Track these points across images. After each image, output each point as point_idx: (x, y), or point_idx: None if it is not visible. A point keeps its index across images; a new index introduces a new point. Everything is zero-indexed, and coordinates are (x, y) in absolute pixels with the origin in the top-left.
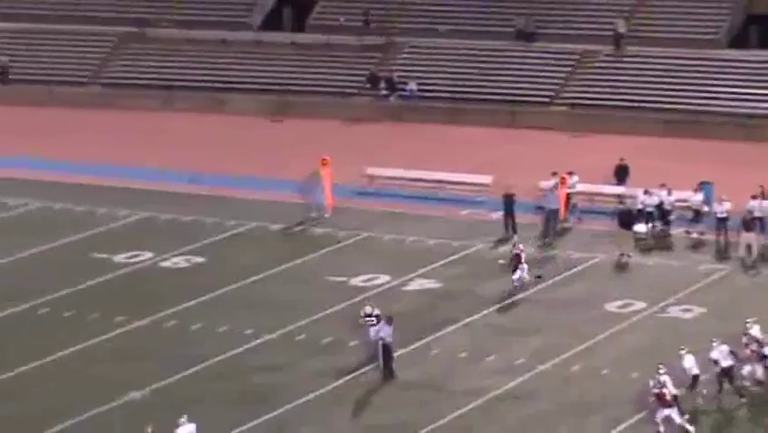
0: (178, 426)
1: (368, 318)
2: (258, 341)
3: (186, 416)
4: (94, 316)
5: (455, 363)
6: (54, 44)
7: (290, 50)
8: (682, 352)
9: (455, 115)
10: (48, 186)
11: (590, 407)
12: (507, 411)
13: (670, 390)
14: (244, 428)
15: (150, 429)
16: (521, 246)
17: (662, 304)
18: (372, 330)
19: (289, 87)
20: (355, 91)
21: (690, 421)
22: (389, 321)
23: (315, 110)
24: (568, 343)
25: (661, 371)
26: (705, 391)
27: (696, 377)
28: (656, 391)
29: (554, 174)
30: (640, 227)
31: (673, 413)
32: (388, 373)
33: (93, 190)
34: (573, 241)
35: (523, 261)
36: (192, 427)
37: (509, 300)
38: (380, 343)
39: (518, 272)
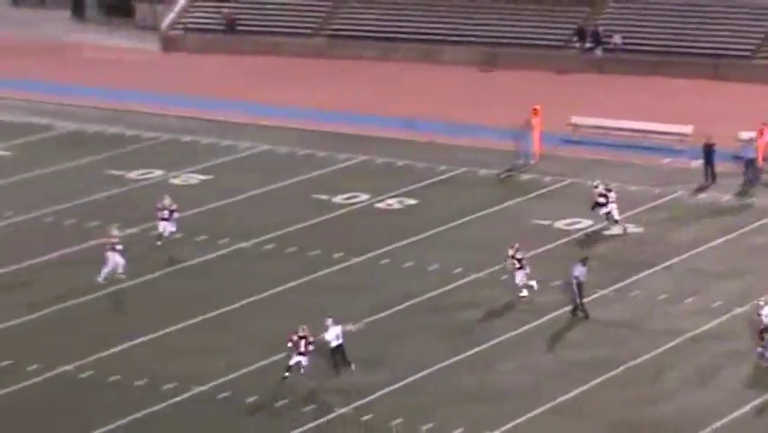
0: (326, 328)
1: (511, 260)
2: (465, 279)
3: (331, 318)
4: (314, 252)
5: (654, 304)
6: None
7: (501, 3)
8: None
9: (658, 68)
10: (274, 130)
11: None
12: (703, 351)
13: None
14: (450, 361)
15: (301, 330)
16: (601, 190)
17: None
18: (518, 274)
19: (499, 40)
20: (562, 44)
21: None
22: (584, 262)
23: (523, 61)
24: (766, 287)
25: (761, 302)
26: None
27: None
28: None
29: (765, 125)
30: None
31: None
32: (583, 311)
33: (315, 135)
34: None
35: (611, 200)
36: (338, 328)
37: (707, 245)
38: (574, 282)
39: (605, 208)
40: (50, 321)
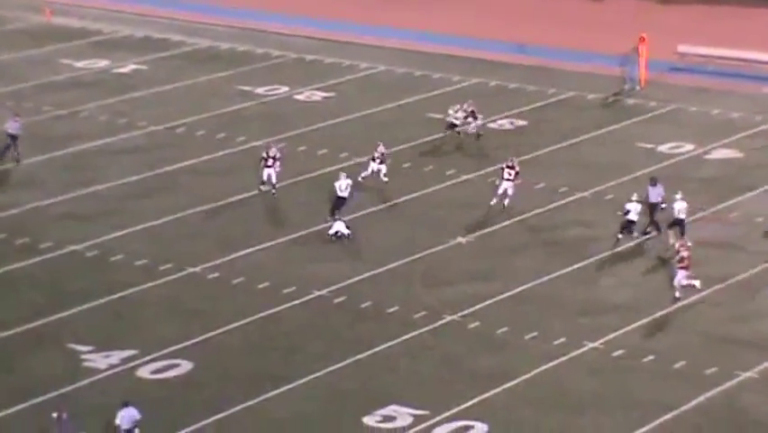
0: (339, 178)
1: (507, 170)
2: (570, 198)
3: (345, 174)
4: (428, 168)
5: (751, 226)
6: None
7: None
8: None
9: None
10: (392, 52)
11: None
12: None
13: None
14: (554, 276)
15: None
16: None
17: None
18: (504, 183)
19: None
20: None
21: None
22: (653, 183)
23: None
24: None
25: None
26: None
27: None
28: None
29: None
30: None
31: None
32: (656, 228)
33: (430, 57)
34: None
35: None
36: (346, 181)
37: None
38: (650, 203)
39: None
40: (183, 225)
